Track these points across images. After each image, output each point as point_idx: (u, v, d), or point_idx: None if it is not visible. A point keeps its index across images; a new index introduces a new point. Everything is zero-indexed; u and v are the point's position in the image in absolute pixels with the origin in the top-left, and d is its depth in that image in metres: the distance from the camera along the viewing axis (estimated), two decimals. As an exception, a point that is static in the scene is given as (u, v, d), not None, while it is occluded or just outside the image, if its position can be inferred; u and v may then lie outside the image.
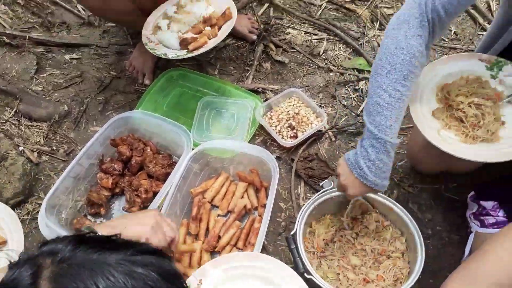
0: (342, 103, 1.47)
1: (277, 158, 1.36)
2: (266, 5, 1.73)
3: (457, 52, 1.55)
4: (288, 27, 1.68)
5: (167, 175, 1.23)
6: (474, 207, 1.04)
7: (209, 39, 1.25)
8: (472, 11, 1.68)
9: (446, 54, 1.57)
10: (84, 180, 1.28)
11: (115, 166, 1.29)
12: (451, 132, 0.97)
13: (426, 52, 0.91)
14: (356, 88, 1.50)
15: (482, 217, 1.00)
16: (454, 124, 0.97)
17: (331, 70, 1.54)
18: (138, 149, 1.30)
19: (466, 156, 0.90)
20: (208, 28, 1.28)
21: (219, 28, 1.29)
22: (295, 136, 1.36)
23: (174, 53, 1.26)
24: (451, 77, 1.04)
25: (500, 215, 0.97)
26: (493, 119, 0.95)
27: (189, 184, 1.23)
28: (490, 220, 0.98)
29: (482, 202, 1.01)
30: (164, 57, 1.26)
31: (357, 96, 1.48)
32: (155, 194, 1.22)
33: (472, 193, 1.07)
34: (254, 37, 1.62)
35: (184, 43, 1.26)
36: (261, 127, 1.40)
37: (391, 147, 0.90)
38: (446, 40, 1.62)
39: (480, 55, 1.05)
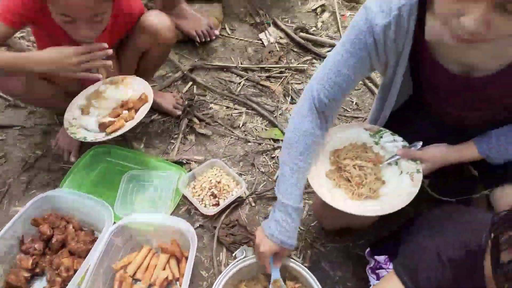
0: (261, 170, 1.60)
1: (201, 226, 1.43)
2: (190, 83, 1.89)
3: (359, 121, 1.77)
4: (211, 102, 1.83)
5: (89, 251, 1.25)
6: (371, 261, 1.16)
7: (126, 121, 1.35)
8: (370, 84, 1.94)
9: (348, 122, 1.78)
10: (3, 263, 1.26)
11: (36, 245, 1.29)
12: (341, 191, 1.11)
13: (321, 132, 1.11)
14: (272, 156, 1.65)
15: (377, 271, 1.12)
16: (343, 183, 1.11)
17: (249, 141, 1.68)
18: (60, 227, 1.32)
19: (352, 211, 1.03)
20: (125, 112, 1.39)
21: (136, 111, 1.39)
22: (217, 204, 1.45)
23: (93, 136, 1.35)
24: (342, 143, 1.20)
25: (391, 267, 1.09)
26: (374, 178, 1.10)
27: (111, 259, 1.25)
28: (383, 273, 1.10)
29: (376, 257, 1.14)
30: (83, 140, 1.34)
31: (273, 163, 1.63)
32: (76, 271, 1.23)
33: (368, 249, 1.20)
34: (179, 112, 1.75)
35: (102, 127, 1.35)
36: (185, 196, 1.48)
37: (293, 210, 1.06)
38: (349, 110, 1.85)
39: (365, 125, 1.23)
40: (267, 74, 1.96)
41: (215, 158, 1.59)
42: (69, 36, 1.29)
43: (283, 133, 1.72)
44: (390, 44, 0.96)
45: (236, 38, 2.11)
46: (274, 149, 1.67)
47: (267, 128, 1.75)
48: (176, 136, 1.69)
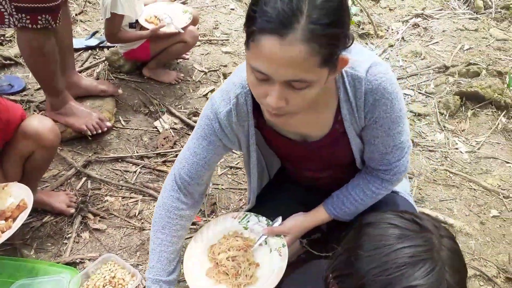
0: (159, 256, 1.60)
1: (96, 328, 1.37)
2: (84, 178, 1.90)
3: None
4: (106, 195, 1.85)
5: None
6: None
7: (3, 232, 1.32)
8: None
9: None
10: None
11: None
12: (224, 286, 1.16)
13: (186, 206, 1.22)
14: (169, 240, 1.67)
15: None
16: (223, 278, 1.17)
17: (144, 229, 1.70)
18: None
19: None
20: (2, 222, 1.35)
21: (14, 219, 1.37)
22: (114, 301, 1.42)
23: None
24: (216, 237, 1.27)
25: None
26: (248, 264, 1.18)
27: None
28: None
29: None
30: None
31: (171, 247, 1.64)
32: None
33: None
34: (72, 210, 1.73)
35: None
36: (79, 299, 1.43)
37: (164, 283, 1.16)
38: (242, 183, 1.96)
39: (233, 214, 1.32)
40: (163, 159, 2.04)
41: (110, 252, 1.57)
42: None
43: (180, 215, 1.76)
44: (236, 126, 1.11)
45: (131, 129, 2.19)
46: (172, 232, 1.69)
47: (164, 213, 1.78)
48: (69, 235, 1.66)
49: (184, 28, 2.32)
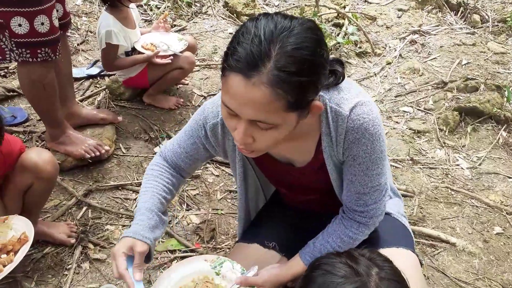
0: (159, 285, 1.60)
1: None
2: (85, 208, 1.92)
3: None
4: (106, 224, 1.86)
5: None
6: None
7: (5, 266, 1.33)
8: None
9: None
10: None
11: None
12: None
13: (173, 171, 1.27)
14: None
15: None
16: None
17: (144, 258, 1.70)
18: None
19: None
20: (4, 256, 1.37)
21: (16, 253, 1.38)
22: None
23: None
24: (185, 280, 1.17)
25: None
26: None
27: None
28: None
29: None
30: None
31: (171, 276, 1.64)
32: None
33: None
34: (73, 240, 1.74)
35: None
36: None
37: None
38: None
39: (205, 257, 1.24)
40: (163, 186, 2.05)
41: (110, 283, 1.57)
42: None
43: (180, 242, 1.77)
44: (221, 139, 1.14)
45: (131, 156, 2.21)
46: (171, 260, 1.70)
47: (164, 240, 1.79)
48: (69, 266, 1.67)
49: (181, 52, 2.37)
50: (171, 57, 2.37)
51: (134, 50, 2.37)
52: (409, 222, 1.92)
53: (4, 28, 1.64)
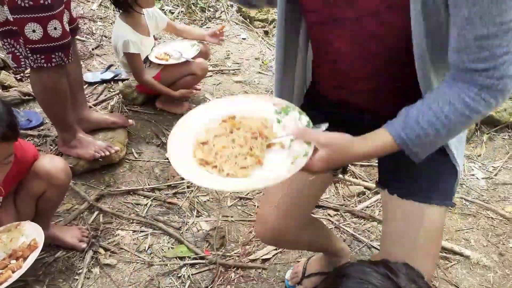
0: (168, 292, 1.61)
1: None
2: (96, 212, 1.93)
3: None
4: (117, 229, 1.87)
5: None
6: None
7: (14, 272, 1.35)
8: (269, 187, 2.09)
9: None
10: None
11: None
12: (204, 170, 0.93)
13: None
14: (179, 275, 1.67)
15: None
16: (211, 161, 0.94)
17: (153, 264, 1.70)
18: None
19: (223, 188, 0.93)
20: (13, 261, 1.38)
21: (25, 259, 1.40)
22: None
23: None
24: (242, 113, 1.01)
25: None
26: (249, 155, 0.93)
27: None
28: None
29: None
30: None
31: (180, 283, 1.64)
32: None
33: None
34: (84, 245, 1.76)
35: None
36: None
37: None
38: (252, 214, 1.95)
39: (275, 99, 1.03)
40: (173, 191, 2.06)
41: (119, 288, 1.58)
42: None
43: (189, 249, 1.77)
44: None
45: (143, 160, 2.23)
46: (181, 267, 1.70)
47: (173, 246, 1.79)
48: (80, 271, 1.68)
49: (193, 58, 2.38)
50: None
51: (147, 58, 2.40)
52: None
53: (19, 35, 1.68)
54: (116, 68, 2.81)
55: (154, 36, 2.48)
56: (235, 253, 1.78)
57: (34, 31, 1.66)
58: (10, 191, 1.55)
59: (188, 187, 2.08)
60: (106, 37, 3.11)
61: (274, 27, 3.51)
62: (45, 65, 1.74)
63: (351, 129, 0.90)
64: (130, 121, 2.35)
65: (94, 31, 3.14)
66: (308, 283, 1.57)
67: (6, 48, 1.77)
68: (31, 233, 1.47)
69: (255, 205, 2.02)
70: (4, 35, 1.72)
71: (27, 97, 2.52)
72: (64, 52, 1.77)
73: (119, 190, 2.02)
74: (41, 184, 1.54)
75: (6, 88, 2.53)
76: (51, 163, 1.55)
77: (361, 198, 2.08)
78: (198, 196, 2.04)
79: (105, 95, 2.62)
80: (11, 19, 1.63)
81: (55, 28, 1.68)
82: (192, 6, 3.51)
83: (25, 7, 1.59)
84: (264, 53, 3.18)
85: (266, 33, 3.44)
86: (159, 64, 2.38)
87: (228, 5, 3.59)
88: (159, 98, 2.53)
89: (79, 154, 2.04)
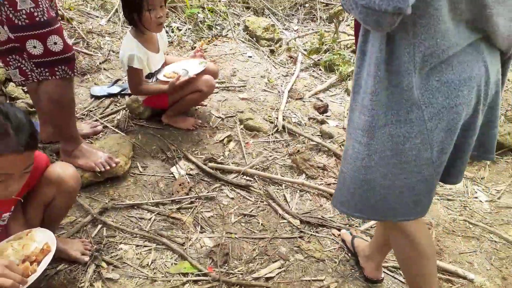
0: (170, 309, 1.59)
1: None
2: (100, 226, 1.93)
3: (265, 242, 1.86)
4: (120, 243, 1.86)
5: None
6: None
7: (28, 276, 1.35)
8: (273, 204, 2.09)
9: (256, 244, 1.87)
10: None
11: None
12: None
13: None
14: (181, 292, 1.66)
15: None
16: None
17: (156, 280, 1.69)
18: None
19: None
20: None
21: (39, 263, 1.41)
22: None
23: None
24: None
25: None
26: None
27: None
28: None
29: None
30: None
31: (182, 299, 1.63)
32: None
33: None
34: (86, 258, 1.75)
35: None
36: None
37: None
38: (256, 231, 1.95)
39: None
40: (177, 206, 2.06)
41: (121, 303, 1.57)
42: None
43: (192, 265, 1.76)
44: None
45: (148, 175, 2.23)
46: (184, 284, 1.69)
47: (176, 262, 1.78)
48: (82, 285, 1.67)
49: (199, 73, 2.40)
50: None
51: (154, 75, 2.43)
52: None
53: (22, 51, 1.75)
54: (123, 83, 2.84)
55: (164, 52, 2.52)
56: (238, 271, 1.77)
57: (35, 46, 1.72)
58: (21, 197, 1.56)
59: (192, 202, 2.09)
60: (113, 51, 3.16)
61: (280, 46, 3.56)
62: (50, 77, 1.80)
63: None
64: (99, 127, 2.41)
65: (102, 46, 3.19)
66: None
67: (12, 64, 1.83)
68: (42, 238, 1.48)
69: (259, 222, 2.02)
70: (9, 52, 1.79)
71: (33, 109, 2.54)
72: (68, 65, 1.82)
73: (123, 204, 2.02)
74: (51, 190, 1.55)
75: (13, 99, 2.56)
76: (63, 170, 1.57)
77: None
78: (202, 212, 2.04)
79: (112, 109, 2.64)
80: (13, 37, 1.69)
81: (55, 43, 1.74)
82: (200, 23, 3.57)
83: (22, 25, 1.66)
84: (270, 71, 3.22)
85: (272, 51, 3.48)
86: (165, 82, 2.41)
87: (234, 24, 3.65)
88: (166, 113, 2.55)
89: (79, 165, 2.05)
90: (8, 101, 2.49)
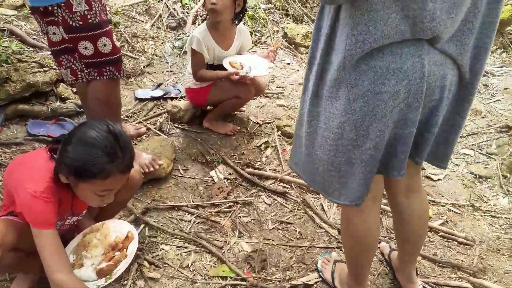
0: (209, 311, 1.62)
1: None
2: (142, 225, 1.99)
3: (302, 250, 1.86)
4: (162, 243, 1.91)
5: None
6: None
7: (119, 262, 1.46)
8: (310, 212, 2.09)
9: (293, 252, 1.88)
10: None
11: None
12: None
13: None
14: (220, 295, 1.69)
15: None
16: None
17: (196, 281, 1.73)
18: None
19: None
20: (117, 253, 1.50)
21: (126, 249, 1.53)
22: None
23: (94, 284, 1.45)
24: None
25: None
26: None
27: None
28: None
29: None
30: None
31: (221, 302, 1.66)
32: None
33: None
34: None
35: (102, 273, 1.47)
36: None
37: None
38: (293, 239, 1.96)
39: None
40: (216, 210, 2.09)
41: (163, 302, 1.61)
42: (73, 203, 1.46)
43: (231, 269, 1.79)
44: None
45: (188, 177, 2.28)
46: (222, 287, 1.71)
47: (216, 265, 1.81)
48: (125, 282, 1.72)
49: (253, 78, 2.42)
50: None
51: (212, 66, 2.47)
52: (468, 273, 1.84)
53: (74, 51, 1.84)
54: (165, 86, 2.92)
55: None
56: (276, 278, 1.79)
57: (86, 47, 1.81)
58: None
59: (230, 206, 2.12)
60: (157, 55, 3.25)
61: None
62: (98, 78, 1.88)
63: None
64: (143, 129, 2.49)
65: (146, 50, 3.29)
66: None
67: (64, 64, 1.92)
68: (118, 228, 1.58)
69: (296, 230, 2.03)
70: (62, 52, 1.88)
71: (81, 109, 2.65)
72: (115, 66, 1.90)
73: (165, 205, 2.08)
74: None
75: (63, 99, 2.68)
76: None
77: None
78: (240, 217, 2.07)
79: (154, 112, 2.72)
80: (67, 38, 1.78)
81: (104, 45, 1.83)
82: (239, 29, 3.62)
83: (76, 26, 1.74)
84: (308, 78, 3.22)
85: (311, 59, 3.48)
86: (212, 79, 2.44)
87: (274, 31, 3.68)
88: (206, 117, 2.61)
89: None
90: (59, 101, 2.61)
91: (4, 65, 2.43)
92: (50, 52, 1.89)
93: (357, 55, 1.09)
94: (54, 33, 1.78)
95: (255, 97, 2.72)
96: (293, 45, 3.52)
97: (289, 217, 2.11)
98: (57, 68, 2.07)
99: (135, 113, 2.70)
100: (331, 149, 1.22)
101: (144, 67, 3.14)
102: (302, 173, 1.40)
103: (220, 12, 2.27)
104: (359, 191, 1.25)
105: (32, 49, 2.78)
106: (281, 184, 2.31)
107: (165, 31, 3.53)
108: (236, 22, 2.40)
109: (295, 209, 2.17)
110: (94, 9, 1.73)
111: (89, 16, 1.73)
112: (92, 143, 1.29)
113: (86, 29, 1.76)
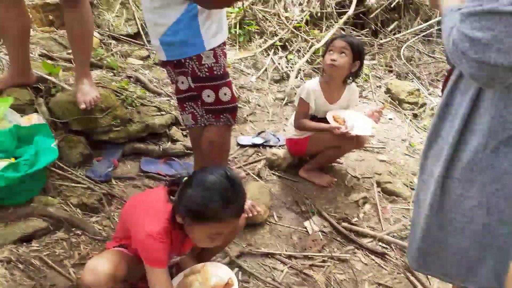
0: None
1: None
2: (236, 269, 2.00)
3: None
4: (253, 289, 1.90)
5: None
6: None
7: None
8: (412, 278, 1.92)
9: None
10: None
11: None
12: None
13: None
14: None
15: None
16: None
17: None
18: None
19: None
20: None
21: None
22: None
23: None
24: None
25: None
26: None
27: None
28: None
29: None
30: None
31: None
32: None
33: None
34: None
35: None
36: None
37: None
38: (393, 306, 1.80)
39: None
40: (310, 262, 2.03)
41: None
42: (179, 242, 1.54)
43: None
44: None
45: (283, 225, 2.28)
46: None
47: (308, 321, 1.73)
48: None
49: (358, 136, 2.38)
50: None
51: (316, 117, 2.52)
52: None
53: (197, 98, 2.00)
54: (265, 135, 3.02)
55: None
56: None
57: (208, 96, 1.96)
58: None
59: (324, 261, 2.04)
60: (259, 106, 3.42)
61: (424, 110, 3.43)
62: (214, 123, 2.01)
63: None
64: (242, 174, 2.53)
65: (250, 100, 3.48)
66: None
67: (187, 109, 2.09)
68: (219, 272, 1.59)
69: (394, 296, 1.87)
70: (187, 99, 2.06)
71: (189, 151, 2.86)
72: (231, 114, 2.02)
73: (259, 251, 2.08)
74: None
75: (174, 141, 2.91)
76: None
77: None
78: (334, 273, 1.98)
79: (254, 158, 2.82)
80: (193, 87, 1.95)
81: (225, 94, 1.97)
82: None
83: (203, 77, 1.91)
84: (412, 135, 3.10)
85: (415, 115, 3.37)
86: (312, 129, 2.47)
87: (376, 86, 3.66)
88: (303, 167, 2.62)
89: None
90: (170, 142, 2.84)
91: (128, 107, 2.75)
92: (175, 99, 2.11)
93: (503, 136, 1.05)
94: (182, 82, 1.99)
95: (354, 149, 2.67)
96: (396, 101, 3.45)
97: (387, 280, 1.96)
98: (179, 112, 2.27)
99: (236, 157, 2.82)
100: (456, 231, 1.17)
101: (247, 115, 3.30)
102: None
103: (337, 69, 2.35)
104: (489, 280, 1.16)
105: (152, 95, 3.11)
106: (380, 243, 2.18)
107: (269, 83, 3.71)
108: (349, 81, 2.45)
109: (394, 272, 2.01)
110: (219, 62, 1.91)
111: (214, 68, 1.90)
112: (211, 188, 1.36)
113: (211, 79, 1.93)
